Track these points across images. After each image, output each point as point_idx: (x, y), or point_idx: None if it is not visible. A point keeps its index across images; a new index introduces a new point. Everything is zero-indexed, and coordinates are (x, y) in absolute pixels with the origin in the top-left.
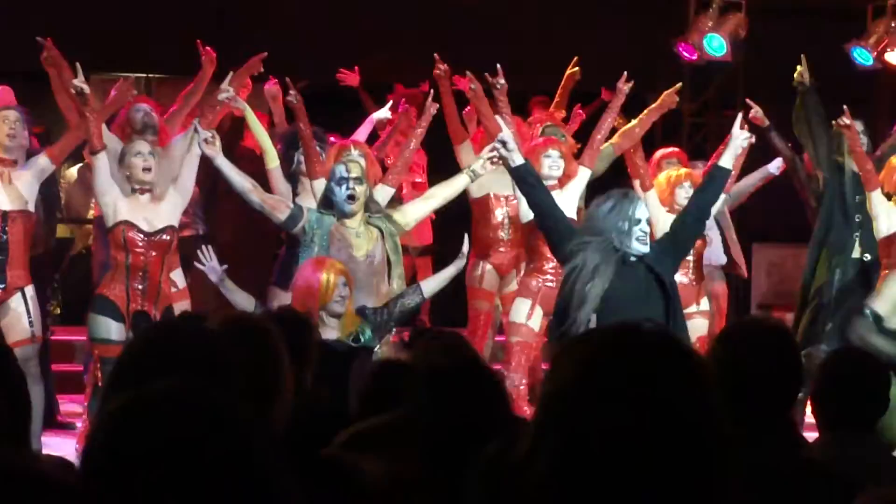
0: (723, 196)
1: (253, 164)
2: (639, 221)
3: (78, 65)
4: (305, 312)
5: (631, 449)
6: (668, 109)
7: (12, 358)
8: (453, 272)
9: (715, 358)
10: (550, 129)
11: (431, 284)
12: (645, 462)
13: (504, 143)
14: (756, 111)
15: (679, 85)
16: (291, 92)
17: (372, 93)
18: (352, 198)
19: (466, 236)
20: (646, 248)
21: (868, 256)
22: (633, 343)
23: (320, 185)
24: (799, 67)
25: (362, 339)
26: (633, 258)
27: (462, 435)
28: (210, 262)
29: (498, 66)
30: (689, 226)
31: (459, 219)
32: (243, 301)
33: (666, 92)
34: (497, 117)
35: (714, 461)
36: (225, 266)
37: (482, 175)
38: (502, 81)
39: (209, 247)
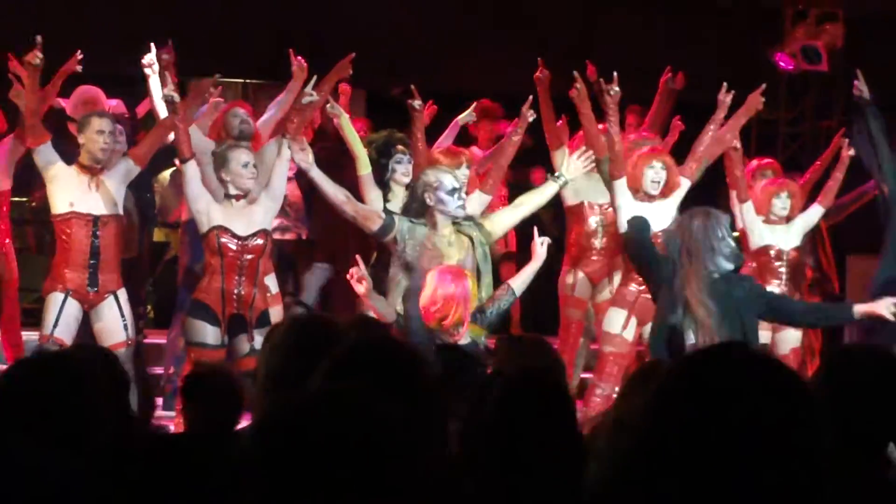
0: (819, 211)
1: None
2: (723, 239)
3: (168, 74)
4: (442, 323)
5: (735, 472)
6: (756, 111)
7: (118, 361)
8: (536, 267)
9: (822, 385)
10: (643, 142)
11: (520, 282)
12: (752, 482)
13: None
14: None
15: (763, 86)
16: (417, 102)
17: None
18: (463, 207)
19: (536, 231)
20: (731, 265)
21: None
22: (738, 364)
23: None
24: (856, 82)
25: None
26: (718, 275)
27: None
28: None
29: (615, 73)
30: (786, 318)
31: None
32: (383, 308)
33: (751, 94)
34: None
35: (818, 479)
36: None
37: (571, 180)
38: (616, 88)
39: (358, 257)
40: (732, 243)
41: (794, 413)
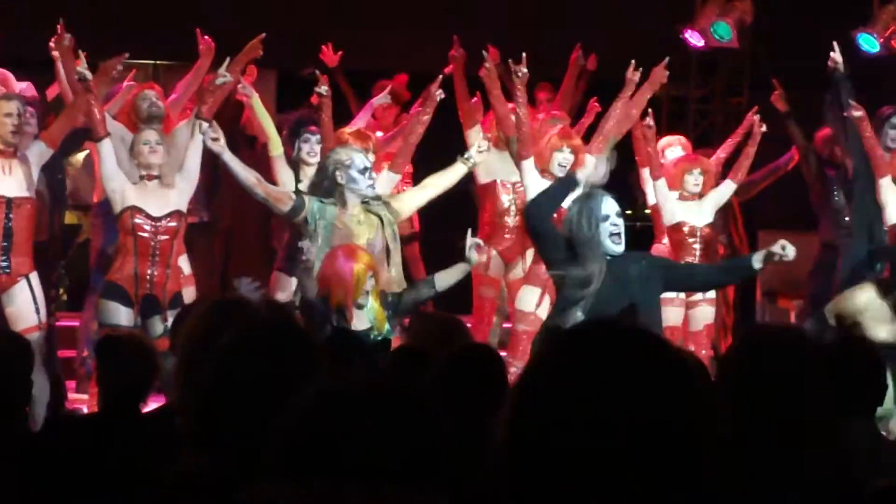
0: (731, 187)
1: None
2: (606, 218)
3: (81, 52)
4: (329, 299)
5: (604, 445)
6: (661, 85)
7: (29, 346)
8: (465, 269)
9: (731, 364)
10: (553, 121)
11: (445, 280)
12: (618, 457)
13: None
14: (779, 94)
15: (667, 59)
16: (323, 88)
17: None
18: (373, 186)
19: (469, 233)
20: (620, 247)
21: None
22: (609, 339)
23: None
24: (832, 54)
25: (384, 333)
26: (610, 257)
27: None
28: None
29: (523, 54)
30: (690, 282)
31: (447, 205)
32: None
33: (655, 68)
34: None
35: (696, 457)
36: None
37: (479, 162)
38: (524, 70)
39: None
40: (617, 221)
41: (664, 391)
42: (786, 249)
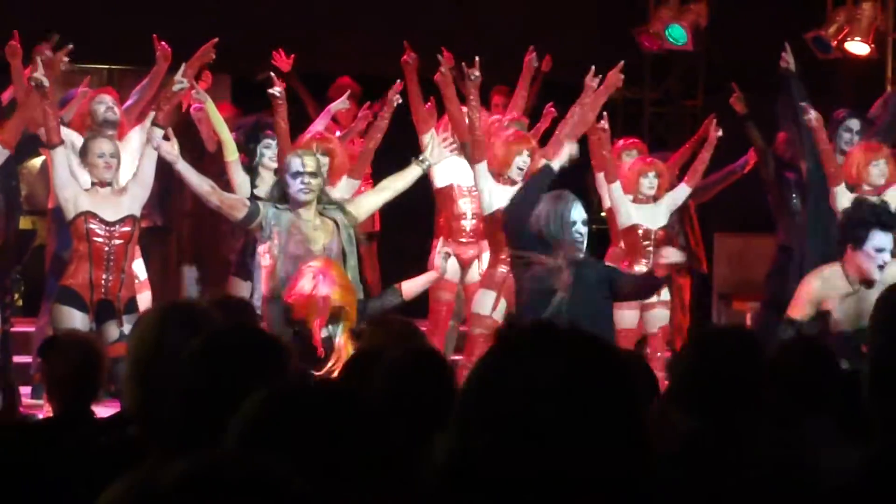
0: (686, 190)
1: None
2: (574, 224)
3: (38, 57)
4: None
5: (542, 445)
6: (615, 89)
7: None
8: (432, 278)
9: (685, 362)
10: (518, 124)
11: (412, 289)
12: (557, 458)
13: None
14: (738, 97)
15: (622, 63)
16: (277, 89)
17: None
18: (305, 192)
19: (440, 244)
20: (580, 254)
21: None
22: (546, 340)
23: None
24: (784, 54)
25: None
26: (572, 260)
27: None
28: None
29: (476, 57)
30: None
31: (404, 206)
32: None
33: (610, 72)
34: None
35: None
36: None
37: (435, 164)
38: (477, 73)
39: None
40: (581, 229)
41: (602, 393)
42: (670, 257)
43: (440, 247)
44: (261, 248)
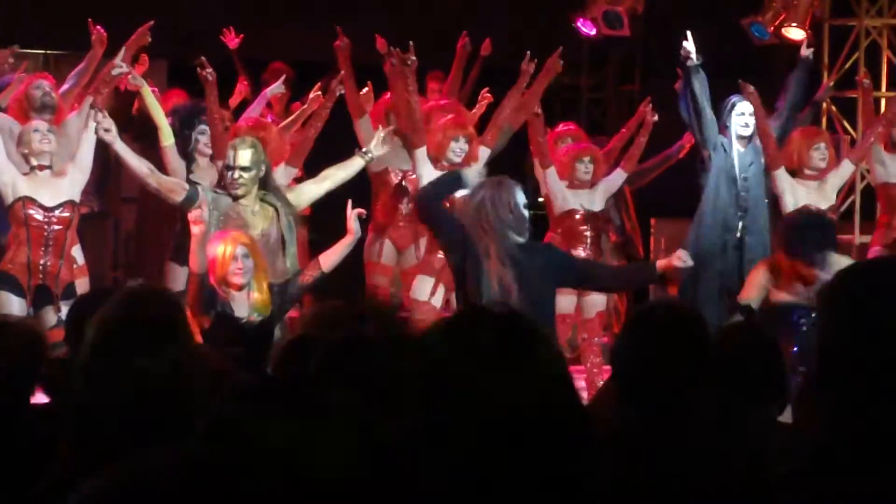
0: (623, 175)
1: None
2: (516, 207)
3: None
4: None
5: (474, 439)
6: (555, 74)
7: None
8: (349, 243)
9: (625, 342)
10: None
11: (330, 258)
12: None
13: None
14: (688, 45)
15: (560, 49)
16: (208, 70)
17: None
18: (234, 186)
19: (350, 205)
20: (522, 238)
21: (752, 239)
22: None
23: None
24: (685, 43)
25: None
26: (514, 245)
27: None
28: None
29: (410, 42)
30: (593, 283)
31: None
32: None
33: (549, 58)
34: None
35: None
36: None
37: (378, 155)
38: (413, 58)
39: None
40: (523, 213)
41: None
42: (684, 261)
43: (350, 209)
44: (191, 216)
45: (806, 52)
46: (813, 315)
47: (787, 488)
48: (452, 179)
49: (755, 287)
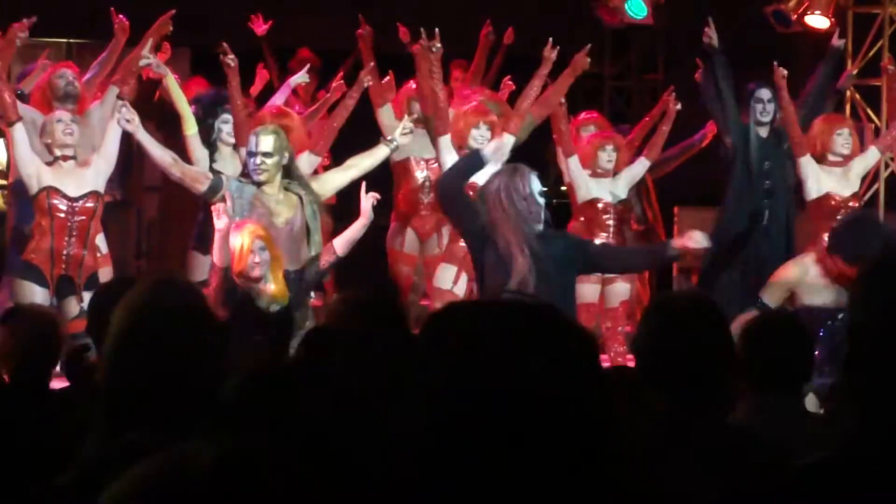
0: (645, 164)
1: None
2: (531, 195)
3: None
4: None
5: (505, 424)
6: (582, 71)
7: None
8: (364, 224)
9: (645, 331)
10: (489, 103)
11: (344, 242)
12: (521, 435)
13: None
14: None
15: (588, 46)
16: (230, 56)
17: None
18: (258, 172)
19: (364, 188)
20: (539, 226)
21: (774, 227)
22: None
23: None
24: (707, 29)
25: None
26: (532, 234)
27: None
28: None
29: (436, 30)
30: (610, 265)
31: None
32: None
33: (577, 55)
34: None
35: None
36: None
37: (403, 143)
38: (438, 45)
39: None
40: (538, 201)
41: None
42: (699, 241)
43: (364, 192)
44: (214, 209)
45: (837, 42)
46: (840, 317)
47: (815, 476)
48: (470, 162)
49: (779, 288)
